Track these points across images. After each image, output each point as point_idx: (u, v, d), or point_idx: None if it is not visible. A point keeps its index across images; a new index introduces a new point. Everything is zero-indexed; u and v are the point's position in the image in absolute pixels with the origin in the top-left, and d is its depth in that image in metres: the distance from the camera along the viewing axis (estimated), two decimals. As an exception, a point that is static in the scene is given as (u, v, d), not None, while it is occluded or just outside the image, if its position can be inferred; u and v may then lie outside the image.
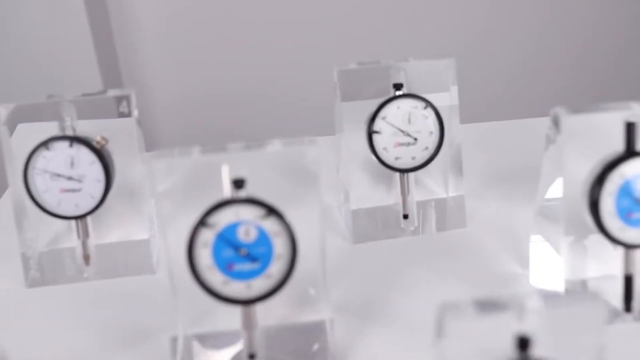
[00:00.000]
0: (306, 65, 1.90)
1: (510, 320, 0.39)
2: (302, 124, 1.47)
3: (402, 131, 0.74)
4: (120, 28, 1.89)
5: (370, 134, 0.74)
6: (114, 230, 0.72)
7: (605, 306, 0.41)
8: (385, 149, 0.74)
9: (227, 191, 0.54)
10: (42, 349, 0.63)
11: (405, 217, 0.76)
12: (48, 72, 1.75)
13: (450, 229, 0.78)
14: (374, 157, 0.74)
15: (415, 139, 0.74)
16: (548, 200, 0.63)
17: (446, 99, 0.75)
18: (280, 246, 0.53)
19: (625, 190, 0.58)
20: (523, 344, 0.39)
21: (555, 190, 0.61)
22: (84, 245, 0.71)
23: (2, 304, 0.70)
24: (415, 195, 0.76)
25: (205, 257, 0.53)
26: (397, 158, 0.74)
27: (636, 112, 0.59)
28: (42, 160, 0.68)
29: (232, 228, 0.53)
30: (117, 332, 0.64)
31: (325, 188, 0.64)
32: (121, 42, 1.91)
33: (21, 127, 0.70)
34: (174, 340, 0.58)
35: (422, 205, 0.78)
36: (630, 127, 0.58)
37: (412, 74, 0.74)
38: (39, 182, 0.69)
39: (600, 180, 0.58)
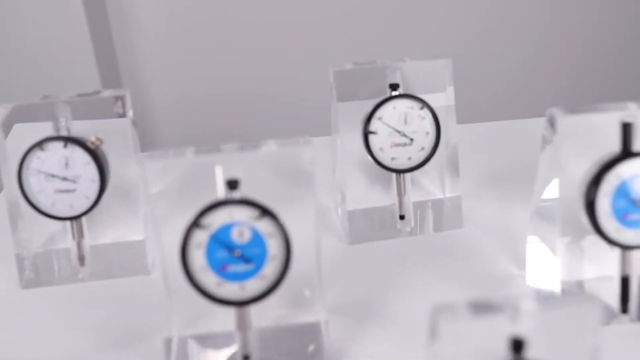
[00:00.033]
0: (303, 65, 1.90)
1: (504, 322, 0.39)
2: (298, 124, 1.47)
3: (399, 131, 0.74)
4: (119, 28, 1.89)
5: (366, 134, 0.73)
6: (108, 231, 0.72)
7: (602, 307, 0.41)
8: (381, 149, 0.74)
9: (221, 192, 0.53)
10: (37, 349, 0.63)
11: (402, 217, 0.76)
12: (47, 72, 1.75)
13: (447, 229, 0.77)
14: (370, 158, 0.74)
15: (412, 140, 0.74)
16: (544, 201, 0.63)
17: (442, 100, 0.75)
18: (274, 247, 0.53)
19: (621, 191, 0.58)
20: (517, 346, 0.39)
21: (552, 191, 0.61)
22: (79, 246, 0.71)
23: (-4, 305, 0.70)
24: (412, 196, 0.76)
25: (198, 258, 0.53)
26: (393, 158, 0.74)
27: (632, 113, 0.58)
28: (37, 160, 0.68)
29: (226, 229, 0.53)
30: (111, 333, 0.64)
31: (322, 189, 0.64)
32: (120, 42, 1.91)
33: (17, 128, 0.70)
34: (169, 341, 0.58)
35: (419, 206, 0.78)
36: (626, 128, 0.58)
37: (408, 74, 0.74)
38: (33, 183, 0.68)
39: (596, 180, 0.58)
